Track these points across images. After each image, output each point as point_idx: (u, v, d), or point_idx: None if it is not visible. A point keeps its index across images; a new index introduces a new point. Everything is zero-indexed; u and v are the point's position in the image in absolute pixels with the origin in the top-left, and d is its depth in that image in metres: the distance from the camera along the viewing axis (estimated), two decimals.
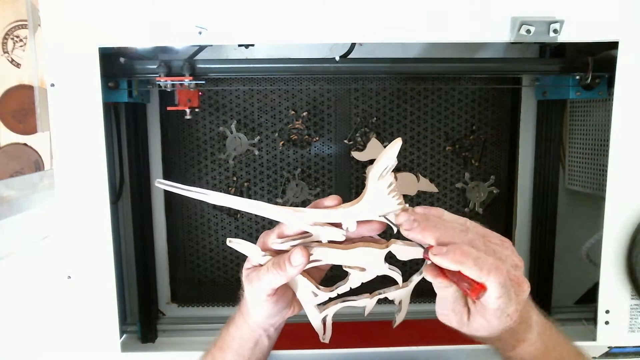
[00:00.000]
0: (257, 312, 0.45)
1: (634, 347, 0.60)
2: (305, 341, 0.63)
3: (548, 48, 0.66)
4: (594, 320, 0.59)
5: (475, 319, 0.41)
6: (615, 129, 0.56)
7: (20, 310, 0.79)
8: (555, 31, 0.53)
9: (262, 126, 0.71)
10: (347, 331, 0.69)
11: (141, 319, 0.66)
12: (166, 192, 0.72)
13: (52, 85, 0.53)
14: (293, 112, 0.70)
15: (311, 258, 0.42)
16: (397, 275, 0.44)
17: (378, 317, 0.74)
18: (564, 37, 0.54)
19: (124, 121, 0.66)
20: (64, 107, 0.54)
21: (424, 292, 0.74)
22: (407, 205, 0.41)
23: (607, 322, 0.59)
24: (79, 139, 0.54)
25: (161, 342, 0.66)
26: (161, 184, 0.41)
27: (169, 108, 0.63)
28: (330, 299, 0.46)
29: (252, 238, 0.73)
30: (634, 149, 0.56)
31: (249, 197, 0.72)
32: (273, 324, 0.47)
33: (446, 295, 0.42)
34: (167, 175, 0.72)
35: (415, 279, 0.45)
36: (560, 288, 0.72)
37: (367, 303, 0.47)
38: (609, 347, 0.60)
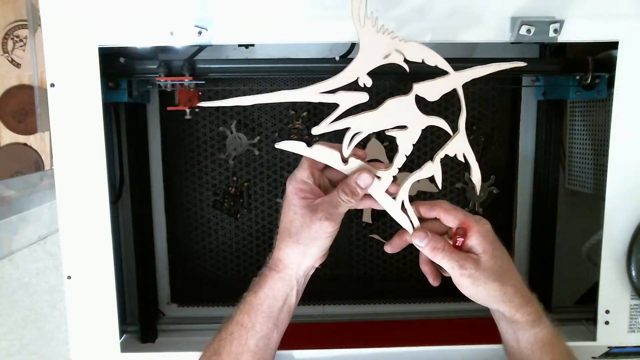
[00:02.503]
0: (312, 251, 0.46)
1: (634, 347, 0.60)
2: (306, 341, 0.64)
3: (548, 48, 0.66)
4: (594, 320, 0.59)
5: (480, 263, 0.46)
6: (615, 129, 0.56)
7: (20, 310, 0.79)
8: (555, 31, 0.53)
9: (262, 126, 0.71)
10: (347, 331, 0.69)
11: (141, 319, 0.66)
12: (166, 192, 0.72)
13: (52, 85, 0.53)
14: (293, 112, 0.70)
15: (350, 131, 0.44)
16: (442, 122, 0.46)
17: (378, 317, 0.74)
18: (564, 37, 0.54)
19: (124, 121, 0.66)
20: (64, 107, 0.54)
21: (425, 292, 0.74)
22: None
23: (607, 322, 0.59)
24: (79, 139, 0.54)
25: (161, 342, 0.66)
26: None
27: (169, 108, 0.63)
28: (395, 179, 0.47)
29: (252, 237, 0.73)
30: (634, 149, 0.56)
31: (249, 197, 0.72)
32: (313, 267, 0.49)
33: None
34: (167, 175, 0.72)
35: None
36: (560, 288, 0.72)
37: (432, 170, 0.47)
38: (609, 347, 0.60)
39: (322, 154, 0.45)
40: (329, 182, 0.49)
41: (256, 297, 0.48)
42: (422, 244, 0.47)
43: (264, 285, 0.48)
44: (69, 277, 0.56)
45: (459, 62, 0.62)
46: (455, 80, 0.44)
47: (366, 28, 0.41)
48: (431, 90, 0.43)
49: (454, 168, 0.72)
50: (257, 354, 0.48)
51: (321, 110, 0.70)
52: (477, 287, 0.46)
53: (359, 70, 0.42)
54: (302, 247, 0.46)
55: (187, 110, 0.61)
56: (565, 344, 0.49)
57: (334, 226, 0.45)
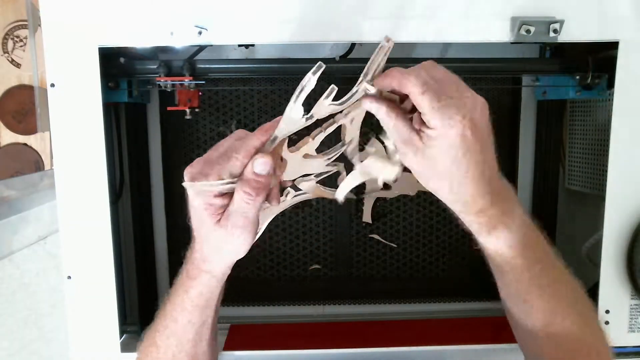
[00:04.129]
0: (237, 252, 0.43)
1: (634, 347, 0.60)
2: (306, 341, 0.64)
3: (548, 48, 0.66)
4: None
5: (427, 152, 0.39)
6: (615, 129, 0.56)
7: (20, 310, 0.79)
8: (555, 31, 0.53)
9: None
10: (347, 331, 0.69)
11: (141, 319, 0.66)
12: (166, 192, 0.72)
13: (52, 85, 0.53)
14: None
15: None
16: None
17: (378, 317, 0.74)
18: (564, 37, 0.54)
19: (124, 121, 0.66)
20: (64, 107, 0.54)
21: (425, 292, 0.74)
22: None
23: (607, 322, 0.59)
24: (79, 139, 0.54)
25: None
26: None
27: (169, 108, 0.63)
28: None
29: None
30: (634, 149, 0.56)
31: None
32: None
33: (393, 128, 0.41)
34: (167, 175, 0.72)
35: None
36: None
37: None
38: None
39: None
40: None
41: (189, 296, 0.46)
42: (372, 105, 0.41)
43: (196, 285, 0.45)
44: (69, 277, 0.56)
45: (459, 62, 0.62)
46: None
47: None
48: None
49: None
50: (197, 341, 0.48)
51: None
52: (420, 177, 0.40)
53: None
54: (226, 253, 0.44)
55: (187, 110, 0.61)
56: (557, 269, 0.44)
57: (250, 233, 0.42)
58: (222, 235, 0.42)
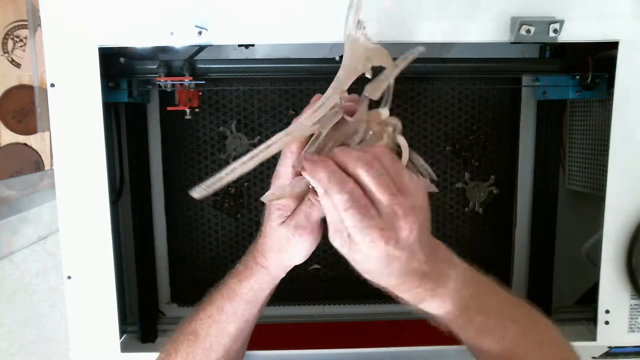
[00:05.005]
0: (296, 255, 0.44)
1: (634, 347, 0.60)
2: (306, 341, 0.64)
3: (548, 48, 0.66)
4: (594, 320, 0.59)
5: (352, 254, 0.38)
6: (615, 129, 0.56)
7: (20, 310, 0.79)
8: (555, 31, 0.53)
9: (262, 126, 0.71)
10: (347, 331, 0.69)
11: (141, 319, 0.66)
12: (166, 192, 0.72)
13: (52, 85, 0.53)
14: (293, 112, 0.70)
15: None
16: None
17: (378, 317, 0.74)
18: (564, 37, 0.54)
19: (124, 121, 0.66)
20: (64, 107, 0.54)
21: None
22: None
23: (607, 322, 0.59)
24: (79, 139, 0.54)
25: (161, 342, 0.66)
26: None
27: (169, 108, 0.63)
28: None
29: (252, 237, 0.73)
30: (634, 149, 0.56)
31: (249, 197, 0.72)
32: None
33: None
34: (167, 175, 0.72)
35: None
36: (560, 288, 0.72)
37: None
38: (609, 347, 0.60)
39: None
40: None
41: (241, 287, 0.47)
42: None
43: (250, 277, 0.47)
44: (69, 277, 0.56)
45: (460, 62, 0.62)
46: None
47: (356, 42, 0.39)
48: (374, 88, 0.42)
49: (454, 168, 0.72)
50: (237, 336, 0.48)
51: None
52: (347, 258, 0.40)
53: (343, 85, 0.40)
54: (284, 255, 0.45)
55: (187, 110, 0.61)
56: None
57: (310, 238, 0.43)
58: (283, 234, 0.43)
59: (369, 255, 0.37)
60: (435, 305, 0.41)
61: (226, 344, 0.48)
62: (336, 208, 0.36)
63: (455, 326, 0.43)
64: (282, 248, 0.44)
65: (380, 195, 0.36)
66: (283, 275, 0.48)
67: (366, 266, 0.38)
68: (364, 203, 0.36)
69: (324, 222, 0.42)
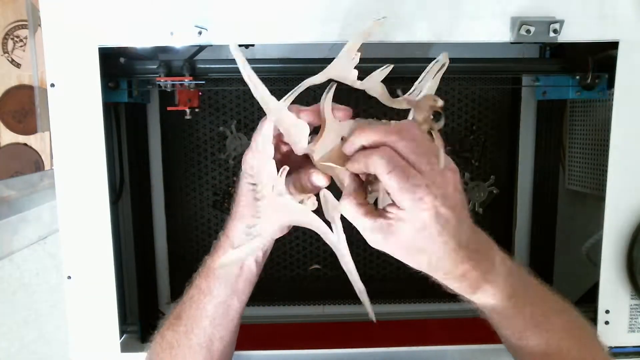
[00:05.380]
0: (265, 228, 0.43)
1: (634, 347, 0.60)
2: (306, 341, 0.64)
3: (548, 48, 0.66)
4: (594, 320, 0.59)
5: (399, 235, 0.37)
6: (615, 129, 0.56)
7: (20, 310, 0.79)
8: (555, 31, 0.53)
9: None
10: (347, 331, 0.69)
11: (141, 319, 0.66)
12: (166, 192, 0.72)
13: (52, 85, 0.53)
14: None
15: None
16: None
17: (378, 317, 0.74)
18: (564, 37, 0.54)
19: (124, 121, 0.66)
20: (64, 107, 0.54)
21: (424, 292, 0.74)
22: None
23: (607, 322, 0.59)
24: (79, 139, 0.54)
25: None
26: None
27: (169, 108, 0.63)
28: None
29: None
30: (634, 149, 0.56)
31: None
32: (272, 241, 0.47)
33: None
34: (167, 175, 0.72)
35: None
36: (560, 288, 0.71)
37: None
38: (609, 347, 0.60)
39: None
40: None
41: (212, 262, 0.47)
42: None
43: (218, 250, 0.47)
44: (69, 277, 0.56)
45: (460, 62, 0.62)
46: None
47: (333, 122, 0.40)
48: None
49: None
50: (215, 319, 0.47)
51: None
52: (395, 255, 0.39)
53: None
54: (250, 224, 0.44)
55: (187, 110, 0.61)
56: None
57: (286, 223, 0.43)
58: (251, 206, 0.43)
59: (418, 220, 0.35)
60: (490, 292, 0.40)
61: (206, 327, 0.47)
62: (381, 178, 0.35)
63: (505, 319, 0.42)
64: (250, 215, 0.44)
65: (419, 157, 0.36)
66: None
67: (417, 244, 0.36)
68: (405, 164, 0.35)
69: None
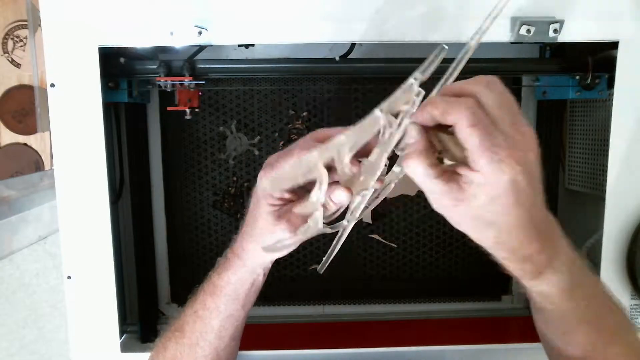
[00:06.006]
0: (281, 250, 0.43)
1: None
2: (306, 341, 0.64)
3: (548, 48, 0.66)
4: None
5: (471, 202, 0.33)
6: (615, 129, 0.56)
7: (20, 310, 0.79)
8: (555, 31, 0.53)
9: (262, 126, 0.71)
10: (347, 331, 0.69)
11: (141, 319, 0.66)
12: (166, 192, 0.72)
13: (52, 85, 0.53)
14: (293, 112, 0.70)
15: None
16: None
17: (378, 317, 0.74)
18: (564, 37, 0.54)
19: (124, 121, 0.66)
20: (64, 107, 0.54)
21: (425, 292, 0.74)
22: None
23: None
24: (79, 139, 0.54)
25: None
26: None
27: (169, 108, 0.63)
28: None
29: None
30: (634, 149, 0.56)
31: (249, 197, 0.72)
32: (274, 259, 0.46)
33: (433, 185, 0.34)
34: (167, 175, 0.72)
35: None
36: None
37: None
38: None
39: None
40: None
41: (220, 280, 0.47)
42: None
43: (227, 269, 0.46)
44: (69, 277, 0.56)
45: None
46: None
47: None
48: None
49: None
50: (221, 332, 0.48)
51: (321, 111, 0.70)
52: (458, 225, 0.36)
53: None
54: (260, 251, 0.44)
55: (187, 110, 0.61)
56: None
57: (296, 237, 0.41)
58: (271, 228, 0.41)
59: (494, 185, 0.31)
60: (553, 280, 0.36)
61: (212, 340, 0.48)
62: (460, 130, 0.31)
63: (558, 311, 0.39)
64: (261, 237, 0.43)
65: (504, 114, 0.32)
66: (261, 271, 0.46)
67: (488, 214, 0.33)
68: (488, 122, 0.31)
69: None
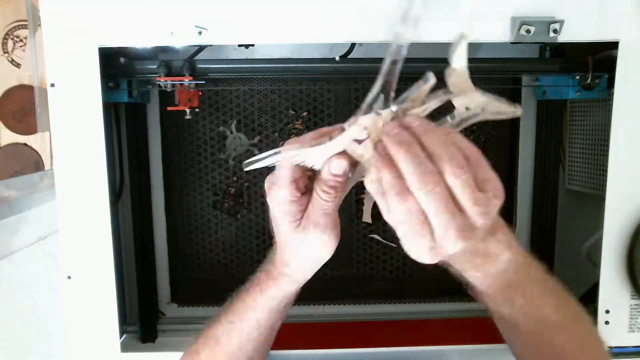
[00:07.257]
0: (317, 259, 0.44)
1: (634, 347, 0.60)
2: (306, 341, 0.64)
3: (548, 48, 0.66)
4: (594, 320, 0.59)
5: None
6: (615, 129, 0.56)
7: (20, 310, 0.79)
8: (555, 31, 0.53)
9: (262, 126, 0.71)
10: (347, 331, 0.69)
11: (141, 319, 0.66)
12: (166, 192, 0.72)
13: (52, 85, 0.53)
14: (293, 112, 0.70)
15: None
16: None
17: (378, 317, 0.74)
18: (564, 37, 0.54)
19: (124, 121, 0.66)
20: (64, 107, 0.54)
21: (424, 292, 0.74)
22: None
23: (607, 322, 0.59)
24: (79, 139, 0.54)
25: (161, 342, 0.66)
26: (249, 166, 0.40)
27: (169, 108, 0.63)
28: None
29: (252, 237, 0.73)
30: (634, 149, 0.56)
31: (249, 197, 0.72)
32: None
33: None
34: (167, 175, 0.72)
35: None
36: None
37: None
38: (609, 347, 0.60)
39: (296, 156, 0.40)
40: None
41: (264, 296, 0.46)
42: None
43: (274, 287, 0.46)
44: (69, 277, 0.56)
45: None
46: None
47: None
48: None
49: None
50: (260, 343, 0.48)
51: (321, 111, 0.70)
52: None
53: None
54: (305, 262, 0.44)
55: (187, 110, 0.61)
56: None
57: (331, 231, 0.41)
58: (302, 239, 0.41)
59: (444, 250, 0.34)
60: (478, 278, 0.42)
61: (249, 351, 0.48)
62: (425, 205, 0.33)
63: (493, 302, 0.44)
64: (306, 252, 0.43)
65: (468, 198, 0.34)
66: (310, 276, 0.47)
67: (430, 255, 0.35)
68: (453, 204, 0.33)
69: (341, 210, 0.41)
